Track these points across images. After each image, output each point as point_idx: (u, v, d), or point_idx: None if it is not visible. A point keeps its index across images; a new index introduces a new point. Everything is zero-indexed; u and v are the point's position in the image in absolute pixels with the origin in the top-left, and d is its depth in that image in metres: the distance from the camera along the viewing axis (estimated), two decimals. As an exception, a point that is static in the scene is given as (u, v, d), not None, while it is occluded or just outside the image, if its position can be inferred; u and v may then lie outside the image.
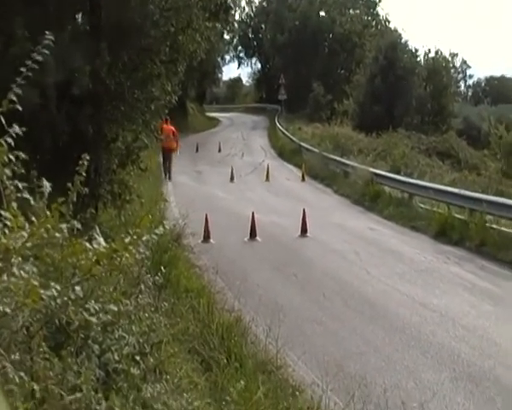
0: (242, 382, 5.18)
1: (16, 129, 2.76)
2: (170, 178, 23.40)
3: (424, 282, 10.59)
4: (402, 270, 11.32)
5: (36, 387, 2.44)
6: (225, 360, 6.13)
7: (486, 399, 6.44)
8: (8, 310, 2.41)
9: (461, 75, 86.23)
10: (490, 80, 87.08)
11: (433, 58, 47.92)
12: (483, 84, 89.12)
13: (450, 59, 56.25)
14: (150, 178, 17.79)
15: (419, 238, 14.21)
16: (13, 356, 2.48)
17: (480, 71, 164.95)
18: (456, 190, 15.39)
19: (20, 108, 2.81)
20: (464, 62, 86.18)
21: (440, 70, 47.54)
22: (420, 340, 8.01)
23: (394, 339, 8.09)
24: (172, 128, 23.44)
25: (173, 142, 23.47)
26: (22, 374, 2.41)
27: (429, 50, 48.88)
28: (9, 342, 2.55)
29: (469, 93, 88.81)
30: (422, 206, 16.35)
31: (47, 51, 3.06)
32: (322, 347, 7.77)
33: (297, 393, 5.98)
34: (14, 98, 2.81)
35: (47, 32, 3.14)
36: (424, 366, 7.23)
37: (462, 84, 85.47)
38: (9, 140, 2.71)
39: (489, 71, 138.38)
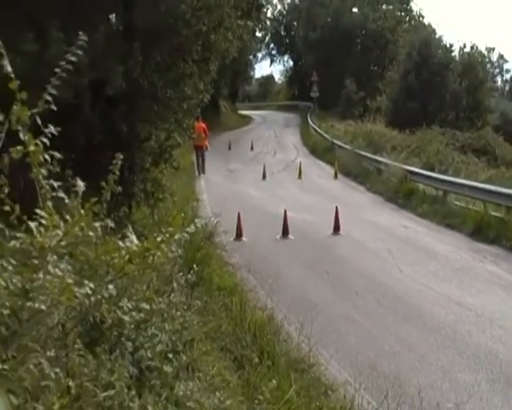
0: (275, 381, 5.18)
1: (52, 129, 2.79)
2: (204, 172, 24.33)
3: (459, 281, 10.45)
4: (436, 268, 11.19)
5: (71, 383, 2.47)
6: (258, 359, 6.13)
7: (524, 400, 6.33)
8: (43, 307, 2.44)
9: (497, 70, 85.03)
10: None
11: (468, 53, 47.22)
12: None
13: (486, 53, 55.55)
14: (183, 177, 17.91)
15: (454, 236, 14.03)
16: (49, 353, 2.51)
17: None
18: (492, 187, 15.15)
19: (55, 109, 2.84)
20: (501, 57, 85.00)
21: (476, 65, 46.84)
22: (455, 340, 7.91)
23: (429, 339, 8.00)
24: (204, 126, 23.86)
25: (205, 140, 24.18)
26: (58, 370, 2.44)
27: (464, 45, 48.20)
28: (45, 338, 2.59)
29: (506, 88, 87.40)
30: (457, 203, 16.13)
31: (81, 52, 3.10)
32: (355, 345, 7.73)
33: (330, 392, 5.96)
34: (50, 99, 2.84)
35: (81, 33, 3.18)
36: (460, 367, 7.13)
37: (498, 78, 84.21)
38: (45, 140, 2.74)
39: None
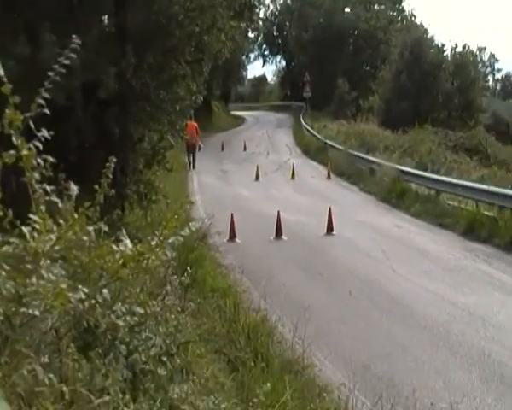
0: (269, 383, 5.18)
1: (44, 133, 2.78)
2: (194, 167, 26.02)
3: (452, 280, 10.48)
4: (429, 268, 11.22)
5: (65, 389, 2.46)
6: (252, 361, 6.12)
7: (517, 399, 6.35)
8: (37, 312, 2.43)
9: (489, 69, 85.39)
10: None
11: (460, 53, 47.42)
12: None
13: (477, 53, 55.79)
14: (176, 178, 17.88)
15: (447, 236, 14.08)
16: (42, 358, 2.50)
17: (508, 64, 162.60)
18: (484, 187, 15.20)
19: (48, 112, 2.83)
20: (492, 56, 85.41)
21: (468, 64, 47.06)
22: (449, 340, 7.93)
23: (422, 339, 8.03)
24: (195, 125, 24.45)
25: (197, 139, 25.42)
26: (52, 376, 2.43)
27: (456, 45, 48.51)
28: (39, 343, 2.58)
29: (498, 87, 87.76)
30: (450, 203, 16.18)
31: (74, 55, 3.08)
32: (349, 346, 7.74)
33: (324, 394, 5.96)
34: (43, 102, 2.83)
35: (74, 36, 3.16)
36: (453, 367, 7.16)
37: (490, 78, 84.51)
38: (38, 144, 2.73)
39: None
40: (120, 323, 2.98)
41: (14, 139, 2.63)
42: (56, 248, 2.63)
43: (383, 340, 7.97)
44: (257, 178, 23.48)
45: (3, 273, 2.40)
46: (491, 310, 8.95)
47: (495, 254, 12.22)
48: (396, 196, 18.49)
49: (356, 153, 25.31)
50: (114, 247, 2.87)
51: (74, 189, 3.15)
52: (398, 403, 5.87)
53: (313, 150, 32.05)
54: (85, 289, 2.60)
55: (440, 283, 10.32)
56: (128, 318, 3.11)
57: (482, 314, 8.78)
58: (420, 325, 8.48)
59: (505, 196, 13.92)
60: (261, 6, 62.96)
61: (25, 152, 2.65)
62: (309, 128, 39.55)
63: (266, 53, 78.75)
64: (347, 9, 64.36)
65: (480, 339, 7.92)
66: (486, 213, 14.13)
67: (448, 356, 7.45)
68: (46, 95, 2.85)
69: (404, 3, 66.32)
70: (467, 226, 14.04)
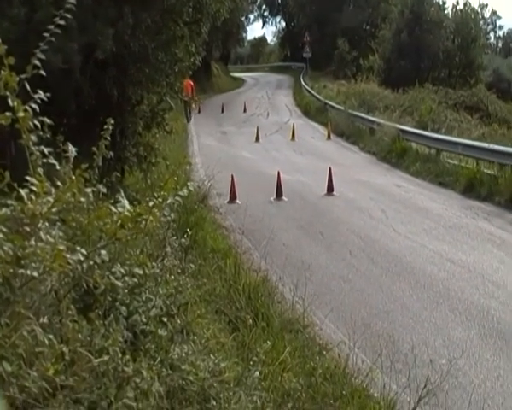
0: (269, 342, 5.23)
1: (41, 94, 2.76)
2: (189, 120, 27.71)
3: (452, 238, 10.52)
4: (429, 226, 11.25)
5: (65, 349, 2.48)
6: (252, 320, 6.16)
7: (515, 355, 6.42)
8: (36, 274, 2.44)
9: (490, 26, 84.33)
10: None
11: (461, 10, 46.80)
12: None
13: (479, 10, 54.98)
14: (176, 140, 17.83)
15: (447, 194, 14.09)
16: (42, 319, 2.52)
17: (510, 21, 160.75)
18: (485, 145, 15.16)
19: (44, 74, 2.80)
20: (494, 13, 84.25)
21: (469, 22, 46.45)
22: (448, 297, 7.99)
23: (422, 296, 8.09)
24: (191, 83, 25.16)
25: (191, 97, 26.08)
26: (51, 337, 2.44)
27: (457, 2, 48.10)
28: (39, 305, 2.59)
29: (499, 45, 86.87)
30: (450, 161, 16.16)
31: (69, 16, 3.04)
32: (349, 305, 7.80)
33: (324, 352, 6.02)
34: (38, 64, 2.80)
35: (69, -4, 3.12)
36: (453, 323, 7.22)
37: (491, 35, 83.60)
38: (34, 106, 2.71)
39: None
40: (119, 284, 2.99)
41: (9, 101, 2.62)
42: (54, 210, 2.63)
43: (383, 298, 8.04)
44: (257, 139, 23.41)
45: (1, 236, 2.41)
46: (491, 267, 9.00)
47: (495, 212, 12.24)
48: (396, 155, 18.45)
49: (356, 113, 25.18)
50: (113, 208, 2.87)
51: (72, 151, 3.14)
52: (397, 360, 5.94)
53: (313, 111, 31.90)
54: (84, 251, 2.61)
55: (440, 241, 10.36)
56: (127, 279, 3.13)
57: (481, 271, 8.83)
58: (420, 282, 8.54)
59: (505, 153, 13.88)
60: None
61: (21, 114, 2.64)
62: (309, 89, 39.31)
63: (266, 14, 77.98)
64: (347, -33, 63.41)
65: (479, 296, 7.98)
66: (487, 171, 14.13)
67: (447, 313, 7.51)
68: (42, 56, 2.83)
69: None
70: (467, 185, 14.05)
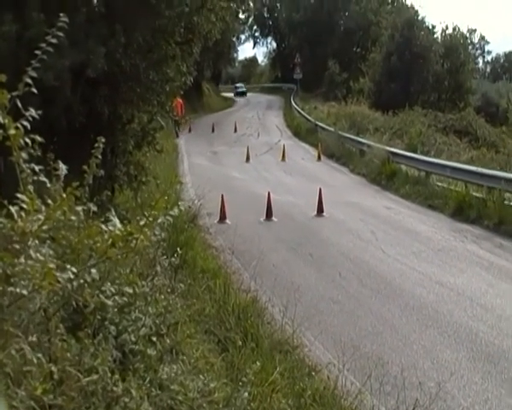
0: (259, 363, 5.20)
1: (32, 112, 2.75)
2: (178, 136, 28.36)
3: (441, 261, 10.54)
4: (418, 249, 11.28)
5: (54, 368, 2.46)
6: (242, 341, 6.13)
7: (505, 379, 6.41)
8: (25, 292, 2.42)
9: (479, 51, 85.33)
10: (509, 56, 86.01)
11: (450, 35, 47.33)
12: (502, 61, 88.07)
13: (467, 35, 55.71)
14: (166, 159, 17.83)
15: (436, 217, 14.14)
16: (30, 338, 2.50)
17: (498, 47, 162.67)
18: (473, 168, 15.26)
19: (36, 91, 2.80)
20: (482, 38, 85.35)
21: (458, 46, 46.99)
22: (437, 319, 7.99)
23: (411, 318, 8.08)
24: (180, 101, 25.21)
25: (180, 112, 26.05)
26: (40, 355, 2.43)
27: (447, 27, 48.50)
28: (27, 323, 2.57)
29: (488, 69, 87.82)
30: (439, 184, 16.24)
31: (62, 34, 3.05)
32: (339, 326, 7.78)
33: (313, 373, 6.00)
34: (30, 81, 2.80)
35: (61, 15, 3.13)
36: (441, 346, 7.21)
37: (480, 60, 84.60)
38: (26, 123, 2.71)
39: (508, 46, 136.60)
40: (109, 303, 2.98)
41: (0, 118, 2.61)
42: (44, 228, 2.62)
43: (372, 320, 8.02)
44: (247, 159, 23.46)
45: (-9, 253, 2.39)
46: (479, 290, 9.02)
47: (483, 235, 12.29)
48: (386, 177, 18.53)
49: (346, 134, 25.33)
50: (103, 227, 2.86)
51: (63, 168, 3.14)
52: (387, 382, 5.92)
53: (304, 132, 32.05)
54: (74, 269, 2.59)
55: (429, 263, 10.38)
56: (117, 298, 3.12)
57: (470, 294, 8.85)
58: (409, 305, 8.54)
59: (494, 177, 13.98)
60: (251, -14, 62.47)
61: (12, 131, 2.63)
62: (299, 110, 39.54)
63: (257, 34, 78.49)
64: (338, -10, 64.03)
65: (467, 319, 7.99)
66: (475, 194, 14.20)
67: (436, 336, 7.51)
68: (33, 74, 2.83)
69: (394, -15, 66.01)
70: (456, 207, 14.12)
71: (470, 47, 61.87)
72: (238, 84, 73.59)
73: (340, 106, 37.86)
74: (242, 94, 67.72)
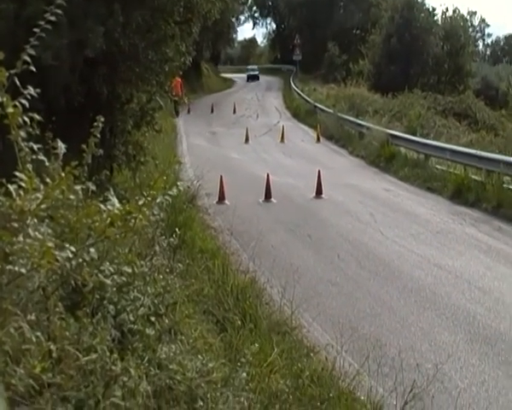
0: (257, 343, 5.21)
1: (31, 90, 2.73)
2: (178, 115, 28.90)
3: (439, 243, 10.55)
4: (417, 231, 11.28)
5: (52, 347, 2.46)
6: (240, 321, 6.16)
7: (501, 361, 6.44)
8: (23, 271, 2.41)
9: (479, 34, 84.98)
10: (509, 39, 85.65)
11: (450, 17, 47.09)
12: (502, 43, 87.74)
13: (468, 18, 55.43)
14: (165, 140, 17.79)
15: (435, 199, 14.14)
16: (29, 316, 2.50)
17: (498, 29, 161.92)
18: (472, 151, 15.25)
19: (34, 69, 2.78)
20: (483, 21, 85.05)
21: (458, 29, 46.76)
22: (435, 302, 8.01)
23: (409, 300, 8.10)
24: (180, 81, 24.82)
25: (180, 91, 26.34)
26: (39, 334, 2.43)
27: (447, 9, 48.24)
28: (26, 302, 2.57)
29: (488, 52, 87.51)
30: (438, 167, 16.23)
31: (60, 12, 3.02)
32: (337, 308, 7.80)
33: (311, 354, 6.02)
34: (28, 59, 2.77)
35: (60, -8, 3.09)
36: (439, 328, 7.24)
37: (480, 43, 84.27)
38: (24, 101, 2.68)
39: (508, 29, 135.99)
40: (108, 282, 2.98)
41: (-1, 96, 2.59)
42: (43, 206, 2.61)
43: (370, 301, 8.04)
44: (246, 140, 23.42)
45: (-11, 231, 2.38)
46: (477, 273, 9.04)
47: (482, 218, 12.29)
48: (385, 159, 18.51)
49: (345, 116, 25.27)
50: (102, 206, 2.85)
51: (62, 147, 3.12)
52: (384, 364, 5.94)
53: (303, 113, 31.98)
54: (72, 248, 2.58)
55: (428, 246, 10.39)
56: (116, 277, 3.11)
57: (468, 277, 8.87)
58: (407, 287, 8.56)
59: (493, 160, 13.97)
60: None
61: (10, 110, 2.61)
62: (299, 91, 39.42)
63: (256, 15, 78.06)
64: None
65: (465, 301, 8.01)
66: (474, 177, 14.19)
67: (434, 318, 7.53)
68: (32, 52, 2.80)
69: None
70: (455, 190, 14.11)
71: (470, 30, 61.61)
72: (250, 67, 68.80)
73: (340, 88, 37.73)
74: (254, 78, 62.76)
